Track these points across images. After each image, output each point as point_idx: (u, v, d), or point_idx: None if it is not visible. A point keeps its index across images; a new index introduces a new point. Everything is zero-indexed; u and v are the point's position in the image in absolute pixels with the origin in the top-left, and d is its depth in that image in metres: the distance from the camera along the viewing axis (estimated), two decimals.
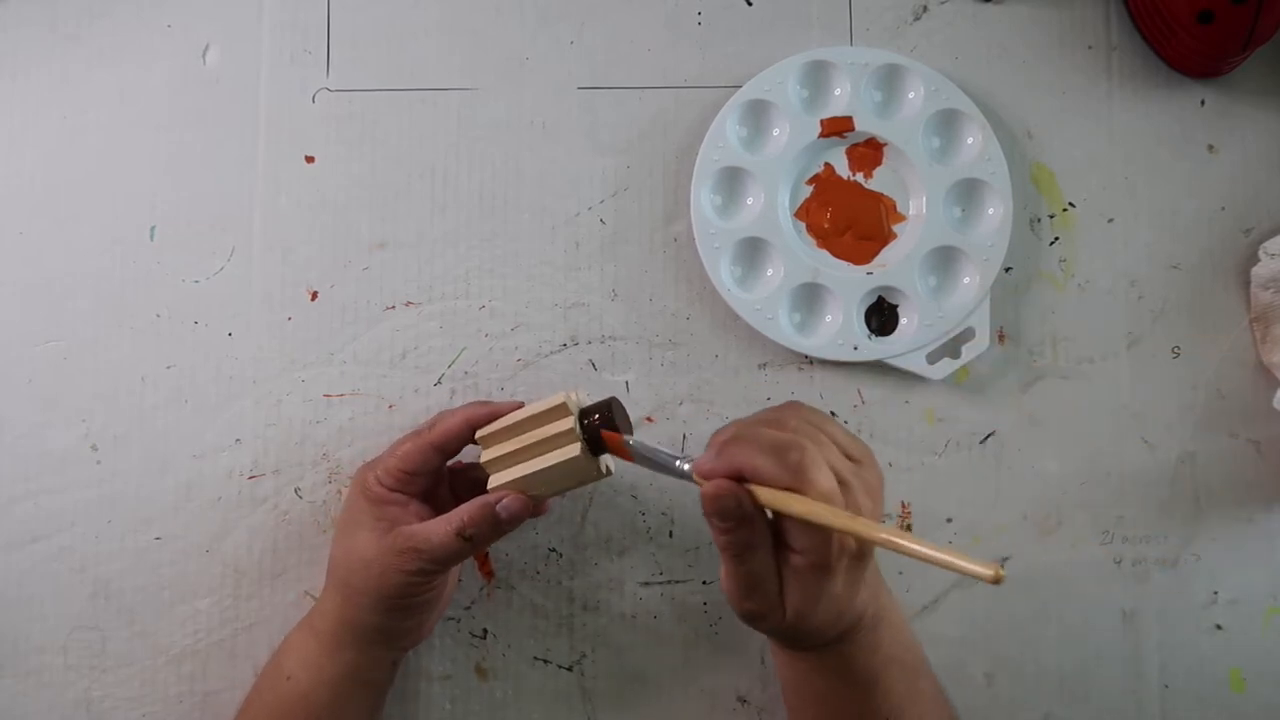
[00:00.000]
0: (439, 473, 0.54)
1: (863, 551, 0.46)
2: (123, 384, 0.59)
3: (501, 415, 0.52)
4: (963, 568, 0.39)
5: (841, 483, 0.44)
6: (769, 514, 0.45)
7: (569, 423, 0.50)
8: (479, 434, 0.52)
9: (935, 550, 0.40)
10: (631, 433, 0.50)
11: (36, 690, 0.57)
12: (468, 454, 0.55)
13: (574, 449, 0.50)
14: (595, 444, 0.50)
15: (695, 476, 0.46)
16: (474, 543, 0.50)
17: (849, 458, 0.46)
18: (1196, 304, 0.61)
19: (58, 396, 0.59)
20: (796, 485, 0.43)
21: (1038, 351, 0.60)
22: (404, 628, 0.53)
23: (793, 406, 0.48)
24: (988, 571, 0.38)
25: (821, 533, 0.44)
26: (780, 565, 0.46)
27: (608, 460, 0.51)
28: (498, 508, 0.50)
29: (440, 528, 0.50)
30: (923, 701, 0.50)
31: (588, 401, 0.51)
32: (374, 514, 0.52)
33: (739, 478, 0.44)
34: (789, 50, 0.60)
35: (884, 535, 0.42)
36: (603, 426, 0.50)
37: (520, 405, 0.52)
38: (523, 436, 0.51)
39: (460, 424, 0.52)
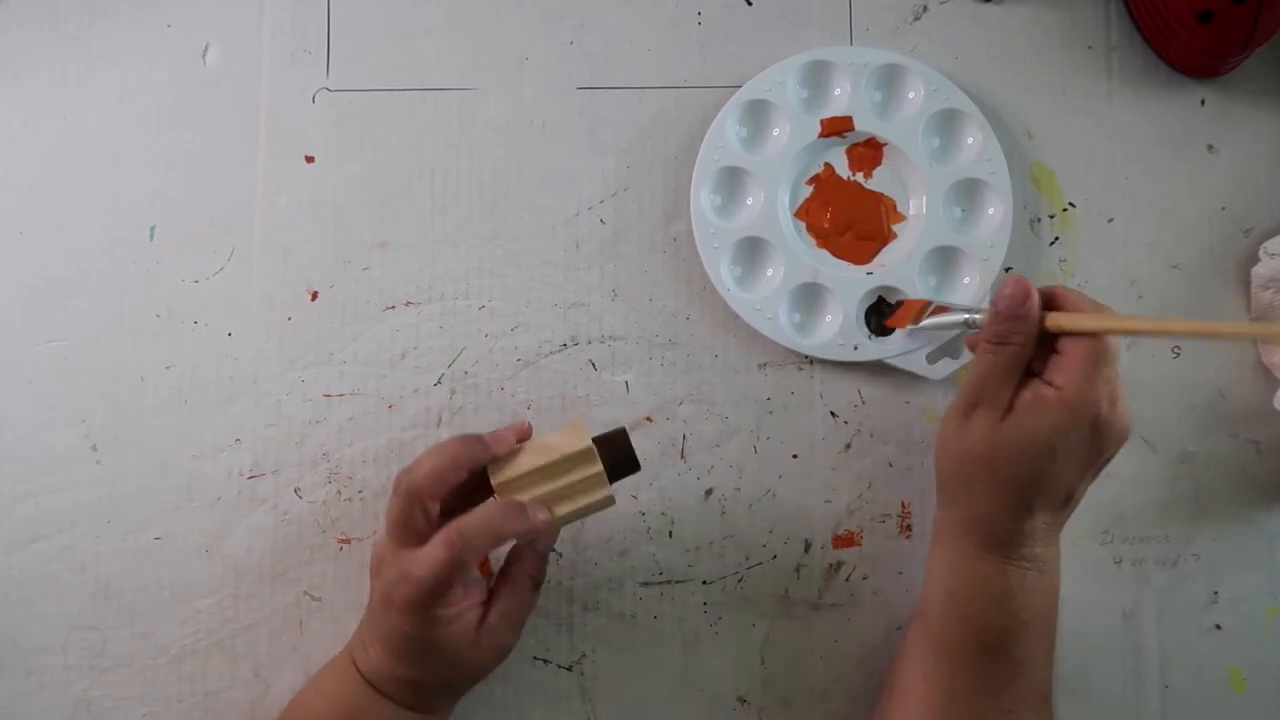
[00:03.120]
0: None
1: (1108, 424, 0.49)
2: (123, 384, 0.59)
3: (463, 459, 0.49)
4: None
5: None
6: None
7: (596, 466, 0.50)
8: (495, 482, 0.50)
9: (1249, 328, 0.50)
10: (640, 467, 0.52)
11: (36, 690, 0.57)
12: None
13: (603, 490, 0.50)
14: (614, 472, 0.51)
15: (985, 315, 0.50)
16: (541, 583, 0.54)
17: None
18: (1196, 304, 0.61)
19: (58, 396, 0.59)
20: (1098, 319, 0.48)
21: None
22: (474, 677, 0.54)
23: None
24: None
25: (1088, 377, 0.47)
26: (1022, 389, 0.49)
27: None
28: (539, 547, 0.54)
29: (524, 598, 0.53)
30: (1046, 662, 0.51)
31: (596, 431, 0.51)
32: (453, 632, 0.50)
33: (1047, 302, 0.49)
34: (789, 50, 0.61)
35: (1200, 325, 0.51)
36: (624, 459, 0.51)
37: (487, 450, 0.50)
38: (548, 483, 0.50)
39: (445, 466, 0.49)
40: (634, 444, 0.51)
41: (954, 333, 0.56)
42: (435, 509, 0.49)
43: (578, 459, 0.50)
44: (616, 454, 0.51)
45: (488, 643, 0.51)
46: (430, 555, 0.48)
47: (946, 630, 0.51)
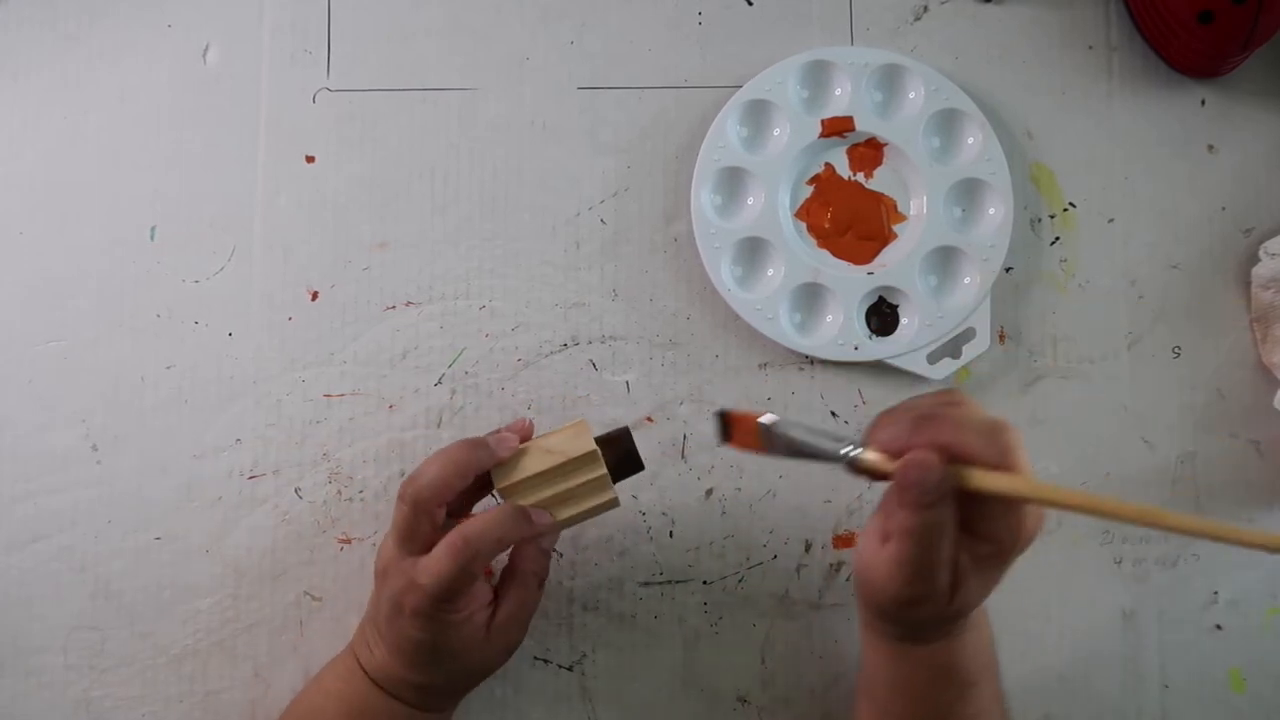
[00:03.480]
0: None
1: (1031, 541, 0.44)
2: (123, 384, 0.59)
3: (468, 466, 0.49)
4: (1239, 539, 0.37)
5: None
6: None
7: (600, 469, 0.50)
8: (498, 486, 0.50)
9: (1203, 523, 0.38)
10: (643, 467, 0.51)
11: (36, 690, 0.57)
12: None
13: (607, 493, 0.50)
14: (616, 473, 0.51)
15: (870, 454, 0.44)
16: (539, 582, 0.53)
17: None
18: (1196, 304, 0.61)
19: (58, 396, 0.59)
20: (1005, 467, 0.42)
21: (1038, 351, 0.60)
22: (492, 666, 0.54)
23: (954, 392, 0.45)
24: (1269, 541, 0.37)
25: (1017, 519, 0.42)
26: (959, 555, 0.43)
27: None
28: (537, 523, 0.51)
29: (526, 596, 0.52)
30: (999, 709, 0.50)
31: (598, 432, 0.51)
32: (464, 634, 0.50)
33: (941, 453, 0.42)
34: (789, 50, 0.60)
35: (1142, 511, 0.40)
36: (627, 460, 0.51)
37: (492, 455, 0.50)
38: (551, 486, 0.50)
39: (435, 488, 0.49)
40: (637, 443, 0.51)
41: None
42: (441, 515, 0.49)
43: (581, 462, 0.50)
44: (620, 455, 0.51)
45: (497, 642, 0.51)
46: (437, 564, 0.48)
47: (903, 714, 0.49)
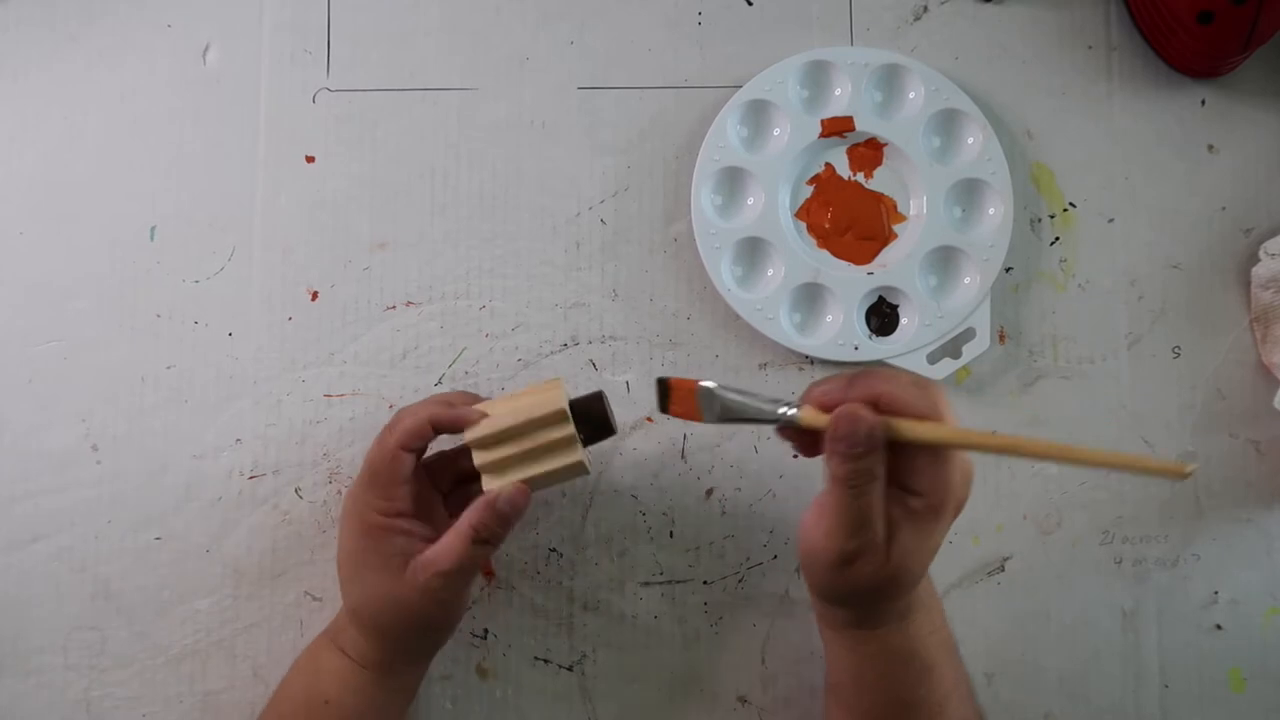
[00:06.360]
0: (422, 480, 0.53)
1: (965, 500, 0.46)
2: (123, 384, 0.59)
3: (463, 421, 0.51)
4: (1147, 466, 0.40)
5: None
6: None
7: (568, 428, 0.50)
8: (469, 438, 0.51)
9: (1114, 456, 0.41)
10: (615, 430, 0.52)
11: (36, 690, 0.57)
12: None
13: (575, 454, 0.50)
14: (588, 439, 0.51)
15: (807, 411, 0.46)
16: (488, 543, 0.50)
17: None
18: (1196, 304, 0.61)
19: (58, 396, 0.59)
20: (933, 417, 0.44)
21: (1038, 351, 0.60)
22: (443, 638, 0.54)
23: (886, 366, 0.49)
24: (1176, 468, 0.39)
25: (945, 472, 0.45)
26: (891, 510, 0.45)
27: (588, 457, 0.52)
28: (499, 504, 0.50)
29: (454, 543, 0.50)
30: (964, 688, 0.51)
31: (572, 393, 0.51)
32: (383, 550, 0.50)
33: (874, 407, 0.45)
34: (789, 50, 0.60)
35: (1058, 450, 0.43)
36: (600, 424, 0.51)
37: (480, 400, 0.52)
38: (519, 441, 0.51)
39: (423, 424, 0.51)
40: (612, 408, 0.51)
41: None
42: (408, 462, 0.51)
43: (550, 420, 0.50)
44: (591, 417, 0.51)
45: (416, 580, 0.50)
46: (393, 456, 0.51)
47: (871, 707, 0.50)
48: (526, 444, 0.50)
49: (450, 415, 0.51)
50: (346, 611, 0.53)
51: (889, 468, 0.45)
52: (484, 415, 0.51)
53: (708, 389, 0.47)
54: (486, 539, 0.50)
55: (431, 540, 0.50)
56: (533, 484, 0.51)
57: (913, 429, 0.44)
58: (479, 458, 0.51)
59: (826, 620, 0.51)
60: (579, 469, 0.51)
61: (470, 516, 0.50)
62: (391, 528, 0.50)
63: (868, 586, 0.46)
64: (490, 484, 0.51)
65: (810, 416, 0.46)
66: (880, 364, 0.59)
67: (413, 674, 0.54)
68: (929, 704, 0.49)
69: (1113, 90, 0.62)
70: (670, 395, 0.49)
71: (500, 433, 0.50)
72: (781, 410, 0.46)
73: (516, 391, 0.53)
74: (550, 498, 0.59)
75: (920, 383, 0.46)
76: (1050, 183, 0.61)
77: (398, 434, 0.51)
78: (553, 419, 0.50)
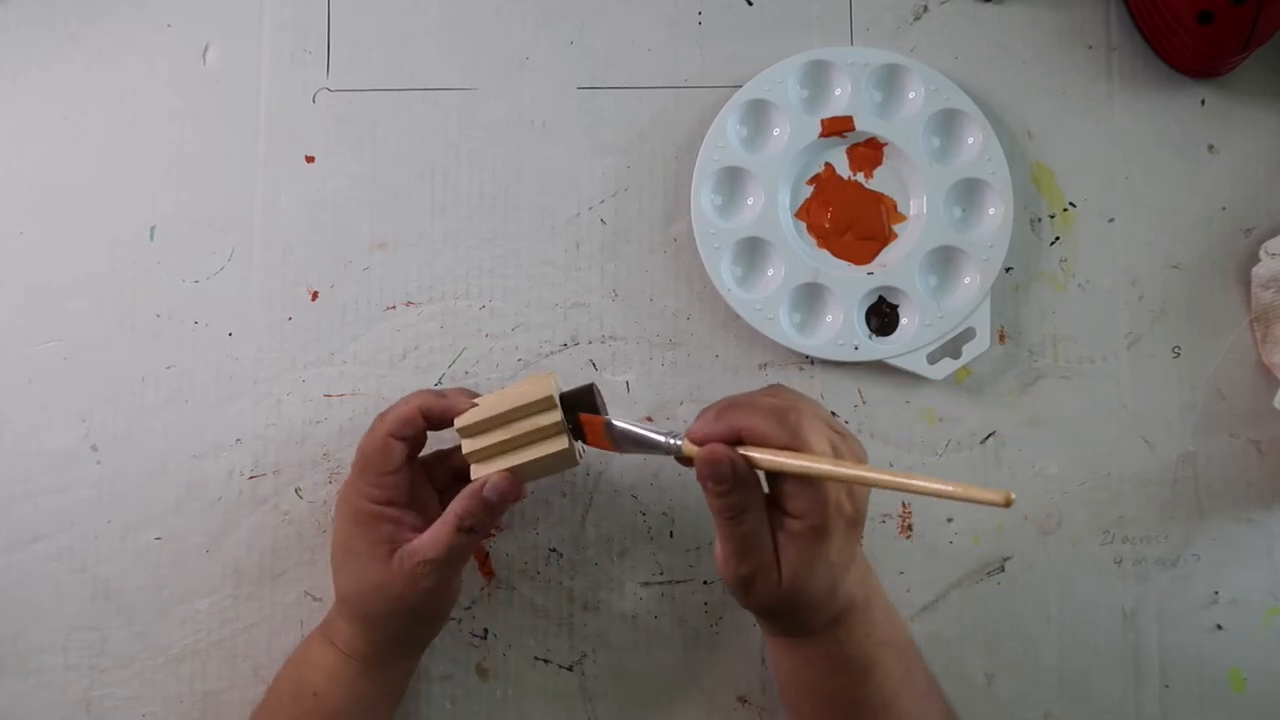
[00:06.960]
0: (416, 473, 0.53)
1: (857, 516, 0.47)
2: (123, 384, 0.59)
3: (452, 410, 0.51)
4: (973, 496, 0.41)
5: (833, 447, 0.46)
6: (764, 485, 0.47)
7: (555, 415, 0.50)
8: (458, 425, 0.51)
9: (942, 484, 0.42)
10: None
11: (36, 690, 0.57)
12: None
13: (561, 442, 0.50)
14: (576, 432, 0.51)
15: (686, 445, 0.48)
16: (475, 532, 0.50)
17: (833, 430, 0.48)
18: (1196, 304, 0.61)
19: (58, 396, 0.59)
20: (795, 445, 0.46)
21: (1038, 351, 0.60)
22: (431, 631, 0.54)
23: (778, 386, 0.50)
24: (998, 497, 0.40)
25: (818, 494, 0.46)
26: (776, 534, 0.47)
27: (580, 445, 0.52)
28: (485, 492, 0.50)
29: (441, 532, 0.50)
30: (916, 686, 0.51)
31: (565, 387, 0.52)
32: (371, 538, 0.51)
33: (737, 441, 0.47)
34: (789, 50, 0.60)
35: (890, 478, 0.44)
36: (585, 420, 0.51)
37: (475, 396, 0.52)
38: (507, 428, 0.51)
39: (413, 411, 0.52)
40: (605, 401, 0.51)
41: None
42: (399, 450, 0.51)
43: (538, 406, 0.50)
44: (583, 408, 0.51)
45: (403, 567, 0.50)
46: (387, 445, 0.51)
47: (814, 708, 0.51)
48: (514, 430, 0.51)
49: (440, 403, 0.52)
50: (337, 601, 0.53)
51: (772, 492, 0.47)
52: (473, 404, 0.51)
53: (609, 423, 0.50)
54: (472, 527, 0.50)
55: (421, 530, 0.51)
56: (521, 473, 0.51)
57: (770, 461, 0.46)
58: (467, 446, 0.51)
59: (763, 629, 0.53)
60: (567, 457, 0.51)
61: (456, 505, 0.50)
62: (381, 515, 0.51)
63: (771, 606, 0.48)
64: (478, 472, 0.51)
65: (690, 449, 0.48)
66: (880, 364, 0.59)
67: (401, 668, 0.54)
68: (872, 703, 0.50)
69: (1113, 90, 0.62)
70: (585, 431, 0.51)
71: (488, 419, 0.51)
72: (671, 442, 0.49)
73: (507, 387, 0.53)
74: (550, 498, 0.59)
75: (779, 412, 0.46)
76: (1050, 183, 0.61)
77: (388, 421, 0.52)
78: (540, 405, 0.50)
